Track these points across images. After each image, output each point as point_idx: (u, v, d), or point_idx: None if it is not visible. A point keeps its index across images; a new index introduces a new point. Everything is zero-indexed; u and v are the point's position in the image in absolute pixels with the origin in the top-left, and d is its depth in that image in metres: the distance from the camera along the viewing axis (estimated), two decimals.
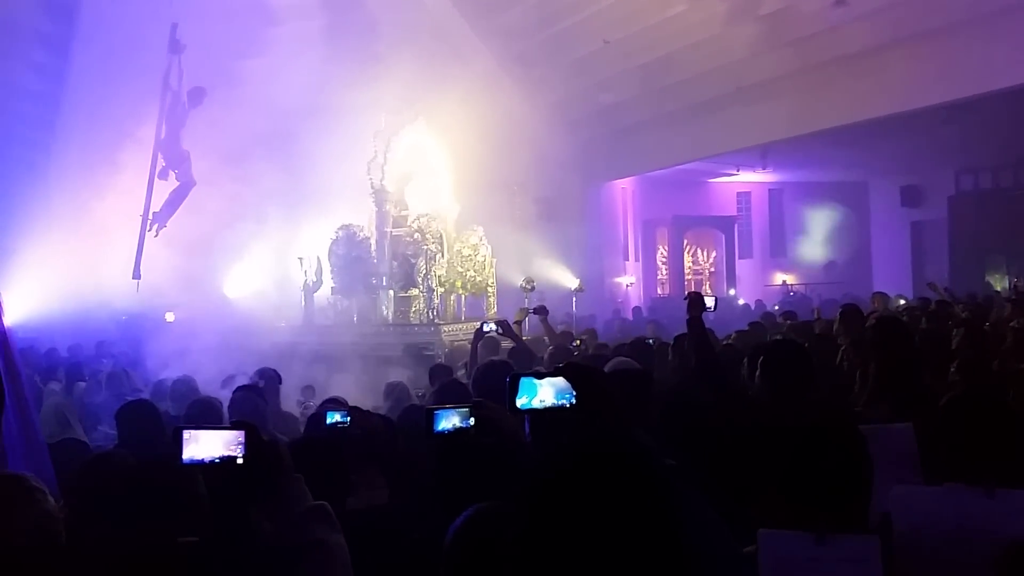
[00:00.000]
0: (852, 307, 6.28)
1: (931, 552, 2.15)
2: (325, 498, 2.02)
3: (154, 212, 12.72)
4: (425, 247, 9.38)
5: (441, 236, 9.82)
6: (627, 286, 19.01)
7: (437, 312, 9.36)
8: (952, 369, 4.20)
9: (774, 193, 21.41)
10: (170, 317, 11.05)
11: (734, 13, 12.41)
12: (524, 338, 6.70)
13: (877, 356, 3.65)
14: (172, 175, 12.81)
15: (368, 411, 3.25)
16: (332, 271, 9.86)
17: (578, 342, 7.18)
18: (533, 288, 10.41)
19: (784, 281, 20.46)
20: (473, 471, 2.28)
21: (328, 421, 3.00)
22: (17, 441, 3.22)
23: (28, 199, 12.40)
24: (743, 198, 21.37)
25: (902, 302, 11.07)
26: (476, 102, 10.59)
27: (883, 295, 10.47)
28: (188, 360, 7.36)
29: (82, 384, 7.20)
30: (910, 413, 2.81)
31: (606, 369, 3.40)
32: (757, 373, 3.46)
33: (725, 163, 18.45)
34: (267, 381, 5.55)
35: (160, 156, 12.66)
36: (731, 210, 21.04)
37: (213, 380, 6.23)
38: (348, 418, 2.99)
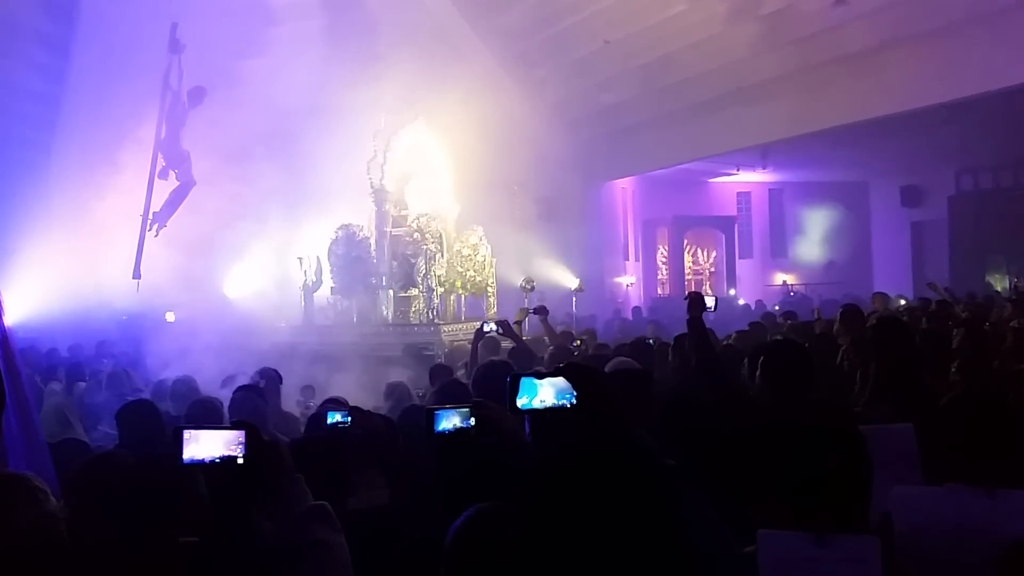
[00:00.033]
0: (852, 307, 6.28)
1: (931, 552, 2.15)
2: (326, 498, 2.03)
3: (154, 212, 12.73)
4: (425, 247, 9.38)
5: (441, 236, 9.82)
6: (627, 286, 19.01)
7: (437, 312, 9.36)
8: (952, 369, 4.20)
9: (774, 193, 21.41)
10: (170, 317, 11.06)
11: (734, 13, 12.41)
12: (524, 338, 6.70)
13: (877, 356, 3.65)
14: (172, 175, 12.82)
15: (369, 411, 3.25)
16: (332, 271, 9.86)
17: (578, 342, 7.17)
18: (533, 288, 10.41)
19: (784, 281, 20.47)
20: (473, 471, 2.28)
21: (329, 421, 3.00)
22: (18, 441, 3.22)
23: (28, 199, 12.40)
24: (743, 198, 21.37)
25: (902, 302, 11.07)
26: (476, 102, 10.59)
27: (883, 295, 10.47)
28: (188, 360, 7.36)
29: (83, 384, 7.20)
30: (910, 413, 2.81)
31: (606, 369, 3.41)
32: (757, 373, 3.46)
33: (725, 163, 18.45)
34: (268, 381, 5.55)
35: (160, 156, 12.67)
36: (731, 210, 21.04)
37: (213, 380, 6.23)
38: (349, 418, 2.99)
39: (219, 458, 1.90)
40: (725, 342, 6.32)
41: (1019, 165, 17.27)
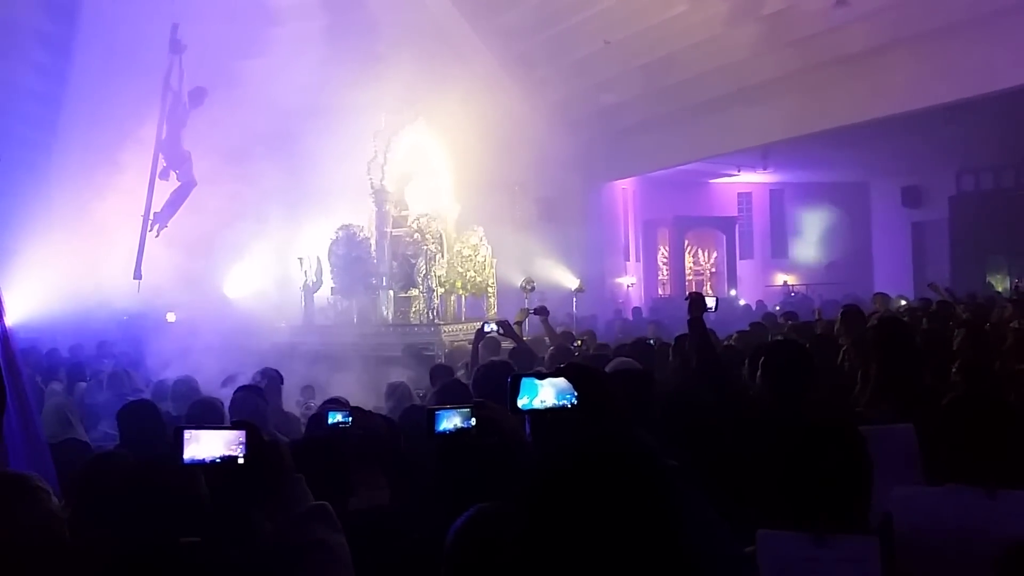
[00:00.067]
0: (853, 308, 6.27)
1: (932, 552, 2.15)
2: (326, 498, 2.03)
3: (155, 212, 12.74)
4: (425, 247, 9.38)
5: (441, 236, 9.82)
6: (628, 287, 19.01)
7: (437, 312, 9.35)
8: (953, 370, 4.20)
9: (775, 193, 21.41)
10: (171, 317, 11.06)
11: (735, 13, 12.41)
12: (525, 339, 6.69)
13: (878, 356, 3.64)
14: (173, 175, 12.82)
15: (370, 411, 3.25)
16: (332, 271, 9.86)
17: (579, 342, 7.17)
18: (533, 288, 10.41)
19: (785, 282, 20.47)
20: (474, 471, 2.28)
21: (330, 421, 2.99)
22: (19, 441, 3.23)
23: (29, 199, 12.41)
24: (744, 198, 21.37)
25: (903, 303, 11.06)
26: (477, 102, 10.59)
27: (884, 296, 10.46)
28: (189, 360, 7.36)
29: (83, 384, 7.19)
30: (911, 413, 2.81)
31: (607, 369, 3.41)
32: (758, 373, 3.46)
33: (726, 163, 18.45)
34: (269, 381, 5.54)
35: (161, 156, 12.68)
36: (732, 211, 21.04)
37: (214, 380, 6.23)
38: (350, 418, 2.98)
39: (220, 458, 1.90)
40: (726, 342, 6.31)
41: (1020, 165, 17.26)
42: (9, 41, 13.05)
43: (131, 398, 5.21)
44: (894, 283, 15.65)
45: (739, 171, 19.31)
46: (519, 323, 7.38)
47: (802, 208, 21.27)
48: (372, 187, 9.74)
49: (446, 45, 13.32)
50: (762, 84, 13.31)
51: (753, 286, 20.18)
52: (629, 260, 19.39)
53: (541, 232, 14.42)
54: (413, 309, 9.90)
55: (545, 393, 2.02)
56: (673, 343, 5.51)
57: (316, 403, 5.72)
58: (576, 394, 2.01)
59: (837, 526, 1.95)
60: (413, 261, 9.38)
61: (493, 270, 10.23)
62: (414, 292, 9.68)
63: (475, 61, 13.94)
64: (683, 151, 16.13)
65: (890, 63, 12.01)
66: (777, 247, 21.45)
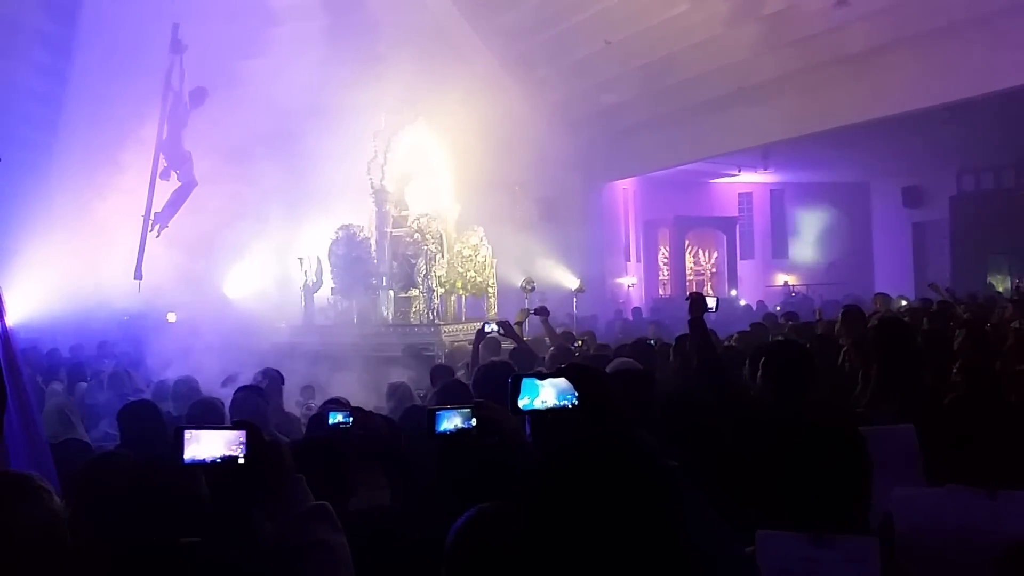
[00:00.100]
0: (854, 308, 6.26)
1: (933, 553, 2.15)
2: (327, 498, 2.03)
3: (156, 212, 12.75)
4: (425, 247, 9.37)
5: (441, 236, 9.82)
6: (628, 287, 19.01)
7: (437, 312, 9.35)
8: (954, 370, 4.20)
9: (775, 194, 21.41)
10: (172, 317, 11.06)
11: (735, 13, 12.41)
12: (525, 339, 6.70)
13: (879, 357, 3.64)
14: (174, 175, 12.83)
15: (370, 412, 3.25)
16: (332, 271, 9.86)
17: (580, 343, 7.17)
18: (533, 289, 10.40)
19: (786, 282, 20.47)
20: (475, 472, 2.28)
21: (330, 421, 2.99)
22: (19, 441, 3.22)
23: (30, 199, 12.41)
24: (744, 199, 21.37)
25: (904, 303, 11.06)
26: (477, 102, 10.58)
27: (885, 296, 10.45)
28: (189, 360, 7.36)
29: (84, 384, 7.20)
30: (912, 414, 2.81)
31: (608, 370, 3.41)
32: (759, 374, 3.46)
33: (726, 164, 18.45)
34: (270, 381, 5.54)
35: (162, 156, 12.69)
36: (732, 211, 21.04)
37: (214, 380, 6.23)
38: (351, 419, 2.99)
39: (220, 458, 1.90)
40: (726, 343, 6.31)
41: (1021, 165, 17.26)
42: (10, 41, 13.06)
43: (132, 398, 5.21)
44: (895, 283, 15.66)
45: (740, 171, 19.31)
46: (519, 323, 7.38)
47: (803, 208, 21.27)
48: (372, 187, 9.74)
49: (446, 45, 13.32)
50: (762, 84, 13.31)
51: (754, 286, 20.19)
52: (629, 260, 19.39)
53: (541, 232, 14.41)
54: (413, 309, 9.90)
55: (546, 393, 2.02)
56: (674, 343, 5.51)
57: (316, 403, 5.72)
58: (577, 394, 2.01)
59: (837, 526, 1.95)
60: (413, 261, 9.38)
61: (493, 270, 10.23)
62: (414, 292, 9.68)
63: (475, 61, 13.94)
64: (683, 151, 16.13)
65: (890, 63, 12.01)
66: (778, 247, 21.45)
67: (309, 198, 10.69)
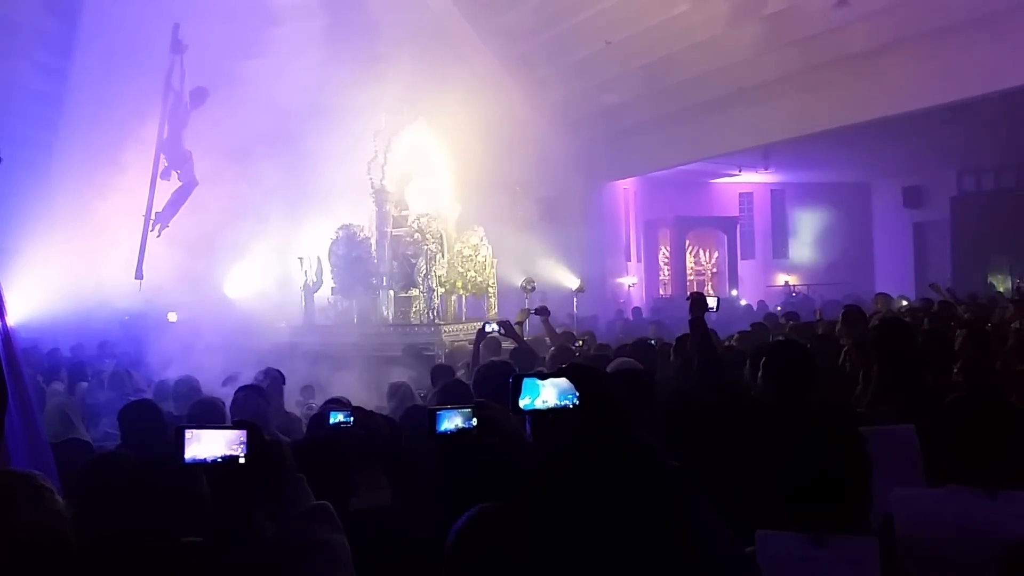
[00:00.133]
0: (855, 308, 6.26)
1: (933, 553, 2.15)
2: (328, 498, 2.03)
3: (156, 212, 12.77)
4: (426, 247, 9.38)
5: (441, 236, 9.82)
6: (629, 287, 19.01)
7: (437, 312, 9.35)
8: (954, 370, 4.20)
9: (776, 194, 21.41)
10: (172, 317, 11.07)
11: (736, 13, 12.41)
12: (525, 339, 6.70)
13: (880, 357, 3.65)
14: (174, 175, 12.84)
15: (371, 411, 3.25)
16: (332, 271, 9.86)
17: (580, 343, 7.18)
18: (534, 289, 10.40)
19: (786, 282, 20.47)
20: (476, 471, 2.28)
21: (331, 421, 2.99)
22: (20, 441, 3.22)
23: (31, 199, 12.42)
24: (745, 199, 21.37)
25: (904, 303, 11.06)
26: (477, 102, 10.59)
27: (886, 296, 10.45)
28: (190, 360, 7.37)
29: (85, 384, 7.21)
30: (912, 414, 2.81)
31: (608, 369, 3.41)
32: (759, 374, 3.46)
33: (727, 164, 18.45)
34: (271, 381, 5.55)
35: (162, 156, 12.71)
36: (733, 211, 21.04)
37: (215, 380, 6.24)
38: (351, 418, 2.99)
39: (221, 458, 1.90)
40: (727, 343, 6.32)
41: (1021, 165, 17.26)
42: (10, 41, 13.07)
43: (132, 398, 5.21)
44: (895, 283, 15.66)
45: (740, 171, 19.31)
46: (520, 323, 7.38)
47: (803, 208, 21.26)
48: (372, 187, 9.74)
49: (447, 45, 13.32)
50: (763, 84, 13.30)
51: (754, 286, 20.18)
52: (630, 260, 19.39)
53: (542, 232, 14.41)
54: (413, 309, 9.90)
55: (547, 393, 2.02)
56: (674, 343, 5.50)
57: (317, 403, 5.72)
58: (578, 394, 2.01)
59: (837, 526, 1.95)
60: (413, 261, 9.38)
61: (494, 270, 10.23)
62: (414, 292, 9.68)
63: (476, 61, 13.94)
64: (684, 151, 16.13)
65: (891, 63, 12.01)
66: (778, 247, 21.45)
67: (309, 198, 10.69)
